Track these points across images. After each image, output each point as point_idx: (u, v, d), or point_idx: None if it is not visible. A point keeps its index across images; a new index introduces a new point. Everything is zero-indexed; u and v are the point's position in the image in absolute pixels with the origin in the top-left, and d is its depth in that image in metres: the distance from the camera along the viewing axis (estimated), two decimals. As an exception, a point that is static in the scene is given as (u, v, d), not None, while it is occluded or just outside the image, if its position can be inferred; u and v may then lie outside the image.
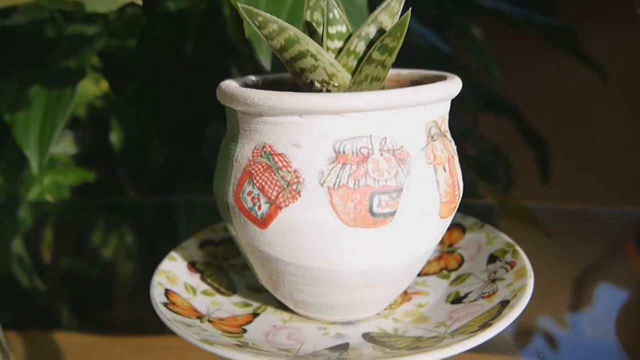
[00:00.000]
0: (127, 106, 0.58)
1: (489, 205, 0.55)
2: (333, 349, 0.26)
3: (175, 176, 0.59)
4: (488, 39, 0.61)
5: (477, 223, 0.35)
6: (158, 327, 0.35)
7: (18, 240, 0.51)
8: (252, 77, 0.31)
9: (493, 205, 0.55)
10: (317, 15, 0.28)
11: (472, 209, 0.37)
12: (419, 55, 0.51)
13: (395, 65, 0.28)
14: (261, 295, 0.31)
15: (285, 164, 0.25)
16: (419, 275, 0.31)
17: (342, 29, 0.26)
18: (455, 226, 0.35)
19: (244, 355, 0.23)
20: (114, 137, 0.56)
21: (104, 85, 0.59)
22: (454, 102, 0.28)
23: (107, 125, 0.57)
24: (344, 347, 0.27)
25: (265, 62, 0.37)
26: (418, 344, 0.26)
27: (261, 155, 0.25)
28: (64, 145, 0.59)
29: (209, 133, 0.56)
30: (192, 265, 0.33)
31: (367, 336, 0.28)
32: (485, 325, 0.25)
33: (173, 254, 0.33)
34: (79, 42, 0.49)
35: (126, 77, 0.59)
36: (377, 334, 0.28)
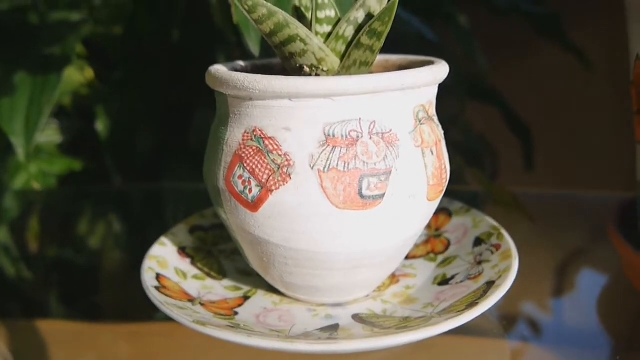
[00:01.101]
0: (113, 94, 0.57)
1: (475, 191, 0.55)
2: (323, 329, 0.27)
3: (162, 163, 0.59)
4: (474, 27, 0.62)
5: (464, 207, 0.36)
6: (146, 314, 0.36)
7: (4, 229, 0.51)
8: (241, 63, 0.31)
9: (479, 192, 0.55)
10: (306, 1, 0.28)
11: (459, 195, 0.37)
12: (406, 43, 0.51)
13: (383, 52, 0.29)
14: (251, 279, 0.32)
15: (275, 147, 0.25)
16: (406, 258, 0.32)
17: (331, 13, 0.27)
18: (442, 211, 0.36)
19: (237, 336, 0.24)
20: (100, 126, 0.56)
21: (89, 73, 0.58)
22: (441, 90, 0.28)
23: (92, 113, 0.57)
24: (334, 327, 0.27)
25: (254, 48, 0.37)
26: (406, 323, 0.26)
27: (251, 139, 0.25)
28: (50, 134, 0.58)
29: (196, 120, 0.56)
30: (182, 251, 0.33)
31: (356, 317, 0.28)
32: (471, 305, 0.25)
33: (163, 239, 0.33)
34: (64, 28, 0.48)
35: (112, 65, 0.59)
36: (367, 314, 0.28)
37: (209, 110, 0.29)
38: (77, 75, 0.57)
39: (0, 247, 0.47)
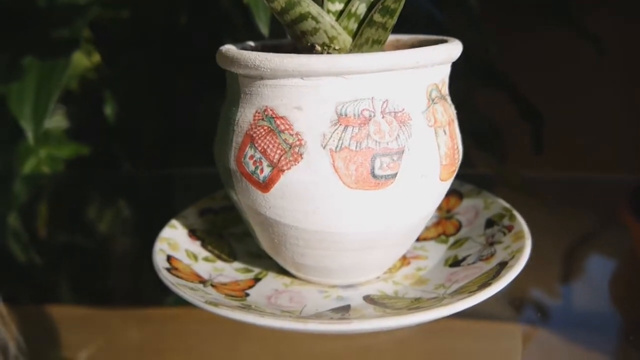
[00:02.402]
0: (121, 78, 0.57)
1: (485, 174, 0.55)
2: (335, 310, 0.27)
3: (170, 149, 0.59)
4: (484, 9, 0.61)
5: (475, 189, 0.36)
6: (156, 298, 0.36)
7: (13, 214, 0.51)
8: (251, 43, 0.31)
9: (489, 175, 0.55)
10: (317, -22, 0.28)
11: (467, 178, 0.37)
12: (415, 24, 0.51)
13: (393, 33, 0.28)
14: (262, 261, 0.32)
15: (287, 126, 0.25)
16: (417, 240, 0.32)
17: (343, -9, 0.26)
18: (452, 192, 0.36)
19: (249, 316, 0.24)
20: (108, 110, 0.56)
21: (96, 57, 0.58)
22: (450, 73, 0.28)
23: (100, 98, 0.57)
24: (346, 308, 0.27)
25: (264, 29, 0.36)
26: (418, 304, 0.26)
27: (263, 119, 0.25)
28: (57, 120, 0.58)
29: (204, 104, 0.56)
30: (193, 233, 0.33)
31: (367, 298, 0.28)
32: (484, 285, 0.25)
33: (174, 221, 0.33)
34: (71, 12, 0.48)
35: (119, 49, 0.59)
36: (378, 296, 0.28)
37: (217, 95, 0.29)
38: (84, 60, 0.57)
39: (10, 232, 0.47)
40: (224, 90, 0.28)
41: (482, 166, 0.56)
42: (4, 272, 0.41)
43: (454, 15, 0.60)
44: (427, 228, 0.34)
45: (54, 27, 0.47)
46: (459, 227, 0.34)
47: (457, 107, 0.29)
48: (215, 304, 0.25)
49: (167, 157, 0.59)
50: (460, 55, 0.27)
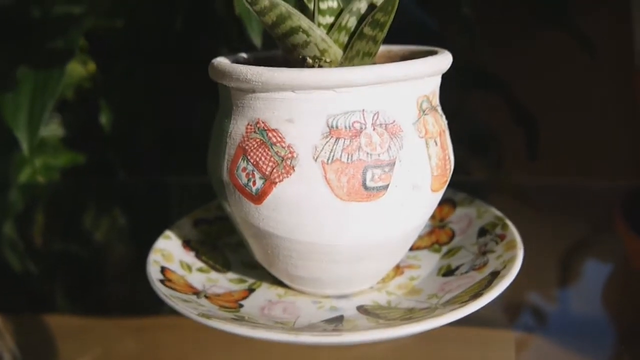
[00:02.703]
0: (116, 87, 0.57)
1: (479, 181, 0.55)
2: (328, 321, 0.27)
3: (166, 157, 0.59)
4: (477, 15, 0.61)
5: (468, 198, 0.36)
6: (152, 308, 0.36)
7: (9, 223, 0.51)
8: (244, 55, 0.31)
9: (483, 181, 0.55)
10: (308, -9, 0.28)
11: (462, 185, 0.37)
12: (408, 32, 0.51)
13: (385, 42, 0.28)
14: (256, 271, 0.32)
15: (279, 139, 0.25)
16: (410, 249, 0.32)
17: (333, 4, 0.26)
18: (446, 201, 0.36)
19: (242, 329, 0.24)
20: (104, 119, 0.56)
21: (92, 66, 0.58)
22: (444, 79, 0.28)
23: (96, 106, 0.57)
24: (339, 319, 0.27)
25: (256, 40, 0.36)
26: (411, 314, 0.26)
27: (255, 131, 0.25)
28: (53, 128, 0.58)
29: (199, 113, 0.56)
30: (187, 244, 0.33)
31: (361, 309, 0.28)
32: (476, 295, 0.25)
33: (168, 232, 0.33)
34: (66, 22, 0.48)
35: (114, 58, 0.59)
36: (371, 306, 0.28)
37: (212, 104, 0.29)
38: (79, 69, 0.57)
39: (5, 241, 0.47)
40: (218, 98, 0.29)
41: (478, 173, 0.56)
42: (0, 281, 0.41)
43: (448, 23, 0.60)
44: (420, 237, 0.34)
45: (49, 37, 0.47)
46: (452, 236, 0.34)
47: (452, 114, 0.29)
48: (208, 316, 0.25)
49: (163, 165, 0.59)
50: (455, 62, 0.27)
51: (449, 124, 0.29)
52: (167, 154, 0.59)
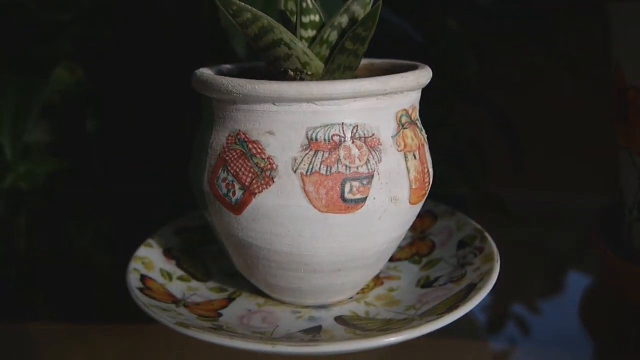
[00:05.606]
0: (103, 95, 0.57)
1: (463, 194, 0.56)
2: (306, 331, 0.27)
3: (151, 165, 0.59)
4: (463, 30, 0.62)
5: (449, 211, 0.36)
6: (134, 314, 0.36)
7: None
8: (227, 66, 0.31)
9: (466, 194, 0.56)
10: (291, 5, 0.28)
11: (446, 197, 0.38)
12: (394, 46, 0.52)
13: (370, 55, 0.29)
14: (236, 280, 0.32)
15: (259, 151, 0.25)
16: (391, 260, 0.32)
17: (316, 18, 0.27)
18: (427, 213, 0.36)
19: (219, 339, 0.24)
20: (90, 126, 0.56)
21: (79, 73, 0.58)
22: (429, 92, 0.29)
23: (82, 114, 0.57)
24: (317, 329, 0.27)
25: (241, 51, 0.37)
26: (389, 326, 0.27)
27: (236, 143, 0.26)
28: (39, 134, 0.58)
29: (185, 122, 0.56)
30: (168, 252, 0.33)
31: (339, 319, 0.28)
32: (452, 308, 0.26)
33: (149, 240, 0.33)
34: (52, 28, 0.48)
35: (101, 65, 0.59)
36: (350, 317, 0.29)
37: (198, 112, 0.29)
38: (66, 75, 0.57)
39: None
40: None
41: (461, 185, 0.56)
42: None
43: (434, 37, 0.61)
44: (401, 248, 0.34)
45: (35, 43, 0.47)
46: (432, 248, 0.34)
47: (436, 127, 0.29)
48: (186, 326, 0.25)
49: (148, 173, 0.59)
50: (439, 75, 0.28)
51: (433, 136, 0.29)
52: (151, 162, 0.59)
